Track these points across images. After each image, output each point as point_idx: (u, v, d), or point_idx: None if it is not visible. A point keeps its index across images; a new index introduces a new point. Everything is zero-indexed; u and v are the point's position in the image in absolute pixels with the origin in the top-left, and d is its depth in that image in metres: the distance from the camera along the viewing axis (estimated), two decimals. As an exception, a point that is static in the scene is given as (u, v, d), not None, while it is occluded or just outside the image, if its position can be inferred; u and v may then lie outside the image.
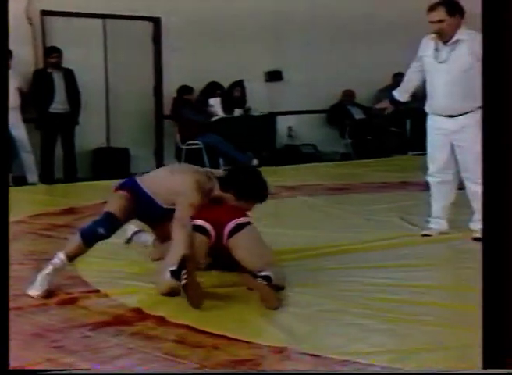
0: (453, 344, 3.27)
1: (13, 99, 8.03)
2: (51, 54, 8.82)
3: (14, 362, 2.69)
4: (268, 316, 3.71)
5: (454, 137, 5.09)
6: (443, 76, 5.02)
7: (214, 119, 9.84)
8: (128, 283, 4.22)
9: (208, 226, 4.03)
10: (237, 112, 10.13)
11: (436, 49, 5.06)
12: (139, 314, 3.74)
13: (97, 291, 4.10)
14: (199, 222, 4.03)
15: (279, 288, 3.93)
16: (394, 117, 10.63)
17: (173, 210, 4.10)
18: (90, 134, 9.35)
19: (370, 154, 10.62)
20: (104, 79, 9.63)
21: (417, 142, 10.77)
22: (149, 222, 4.47)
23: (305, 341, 3.34)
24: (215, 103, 9.90)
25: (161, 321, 3.62)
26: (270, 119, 10.44)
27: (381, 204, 5.60)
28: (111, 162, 9.41)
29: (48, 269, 4.02)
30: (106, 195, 7.10)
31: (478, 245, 4.62)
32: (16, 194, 6.13)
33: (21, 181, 8.33)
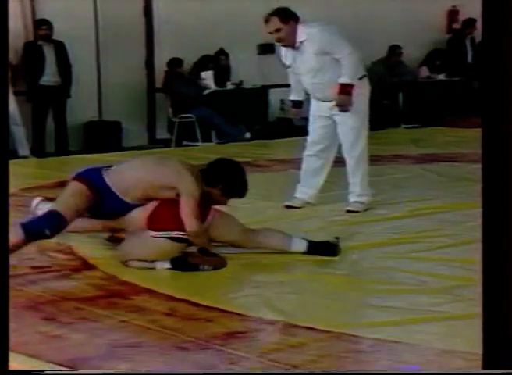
0: (444, 316, 3.28)
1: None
2: (41, 26, 8.74)
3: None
4: (260, 288, 3.72)
5: (333, 114, 5.31)
6: (306, 76, 5.29)
7: (206, 92, 9.80)
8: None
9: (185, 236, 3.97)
10: (229, 85, 10.09)
11: (290, 54, 5.29)
12: (132, 287, 3.74)
13: (90, 265, 4.09)
14: (183, 234, 3.92)
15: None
16: (387, 90, 10.60)
17: (136, 206, 3.99)
18: (81, 107, 9.30)
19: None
20: (96, 52, 9.56)
21: (409, 115, 10.79)
22: (103, 218, 4.16)
23: (297, 314, 3.35)
24: (207, 76, 9.85)
25: (154, 294, 3.62)
26: (262, 92, 10.40)
27: (373, 177, 5.59)
28: (103, 136, 9.37)
29: None
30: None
31: (467, 218, 4.66)
32: (7, 168, 6.09)
33: (12, 154, 8.28)
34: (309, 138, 5.53)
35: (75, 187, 3.96)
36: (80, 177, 4.02)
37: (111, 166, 4.13)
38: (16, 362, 2.76)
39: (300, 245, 4.16)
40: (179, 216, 3.91)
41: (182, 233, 3.92)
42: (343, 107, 5.18)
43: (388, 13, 10.91)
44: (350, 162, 5.37)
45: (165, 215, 3.96)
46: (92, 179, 3.99)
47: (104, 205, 4.00)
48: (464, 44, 11.26)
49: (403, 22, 11.01)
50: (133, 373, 2.74)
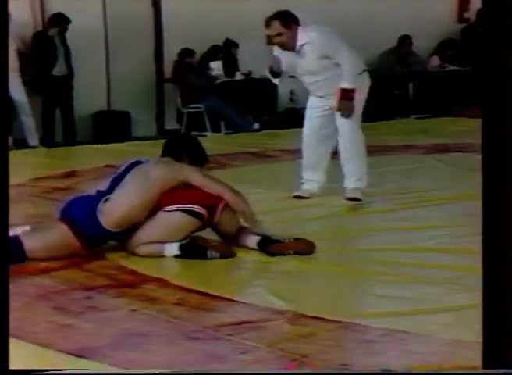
0: (452, 306, 3.28)
1: (12, 61, 7.95)
2: (66, 23, 8.72)
3: (15, 323, 2.69)
4: (270, 278, 3.72)
5: (332, 105, 5.25)
6: (305, 76, 5.30)
7: (215, 82, 9.78)
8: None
9: (203, 211, 4.01)
10: (238, 75, 10.07)
11: (290, 56, 5.25)
12: (141, 277, 3.75)
13: (99, 254, 4.10)
14: (195, 207, 4.00)
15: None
16: (397, 80, 10.56)
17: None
18: (90, 97, 9.29)
19: (372, 117, 10.55)
20: (104, 42, 9.55)
21: (420, 105, 10.75)
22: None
23: (306, 304, 3.35)
24: (217, 66, 9.83)
25: (163, 283, 3.63)
26: (271, 82, 10.35)
27: (383, 167, 5.59)
28: (111, 126, 9.38)
29: None
30: (107, 159, 7.14)
31: (477, 209, 4.64)
32: (16, 157, 6.11)
33: (22, 144, 8.30)
34: (305, 129, 5.47)
35: (65, 237, 3.93)
36: (70, 224, 3.94)
37: (102, 191, 4.06)
38: (26, 352, 2.78)
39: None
40: (191, 194, 4.01)
41: (195, 206, 3.98)
42: (345, 112, 5.16)
43: (398, 3, 10.84)
44: (348, 147, 5.27)
45: (177, 194, 4.04)
46: (82, 226, 3.92)
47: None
48: (478, 34, 11.21)
49: (413, 12, 10.95)
50: (137, 373, 2.74)
